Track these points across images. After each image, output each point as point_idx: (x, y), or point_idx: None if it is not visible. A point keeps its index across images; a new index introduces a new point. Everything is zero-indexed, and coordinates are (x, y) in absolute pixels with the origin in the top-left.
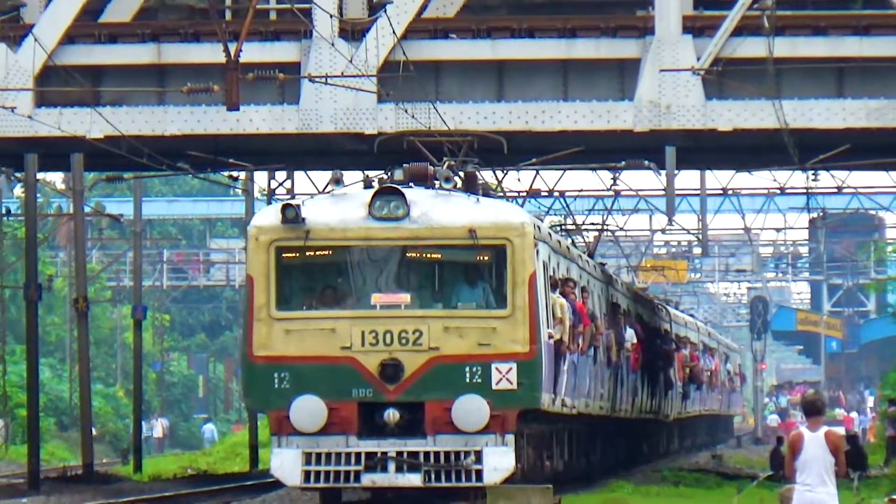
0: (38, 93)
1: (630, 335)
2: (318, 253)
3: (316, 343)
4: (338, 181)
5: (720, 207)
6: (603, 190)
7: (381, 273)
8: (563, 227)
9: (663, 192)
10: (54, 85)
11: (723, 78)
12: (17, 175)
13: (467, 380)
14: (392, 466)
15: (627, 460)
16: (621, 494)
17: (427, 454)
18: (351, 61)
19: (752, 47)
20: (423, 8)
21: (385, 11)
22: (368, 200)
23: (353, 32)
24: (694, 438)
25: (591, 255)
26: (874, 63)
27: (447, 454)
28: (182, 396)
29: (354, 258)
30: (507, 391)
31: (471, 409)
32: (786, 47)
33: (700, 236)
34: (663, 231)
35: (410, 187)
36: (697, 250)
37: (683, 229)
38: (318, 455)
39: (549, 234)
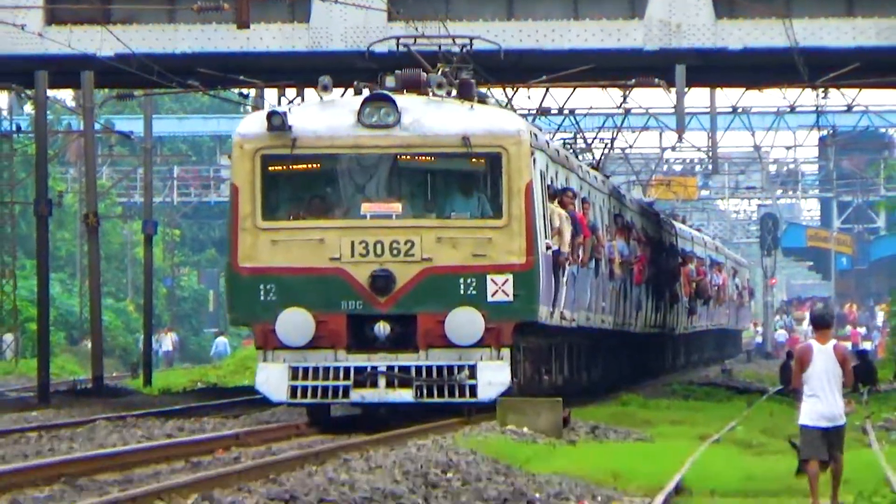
0: (48, 10)
1: (634, 248)
2: (305, 162)
3: (303, 254)
4: (325, 88)
5: (730, 125)
6: (613, 108)
7: (371, 182)
8: (572, 144)
9: (673, 110)
10: (65, 2)
11: None
12: (28, 93)
13: (461, 292)
14: (382, 382)
15: (633, 375)
16: (631, 407)
17: (419, 369)
18: None
19: None
20: None
21: None
22: (358, 107)
23: None
24: (701, 353)
25: (599, 171)
26: None
27: (440, 369)
28: (192, 311)
29: (343, 167)
30: (502, 304)
31: (464, 323)
32: None
33: (710, 154)
34: (673, 148)
35: (402, 94)
36: (708, 168)
37: (693, 147)
38: (306, 370)
39: (547, 143)
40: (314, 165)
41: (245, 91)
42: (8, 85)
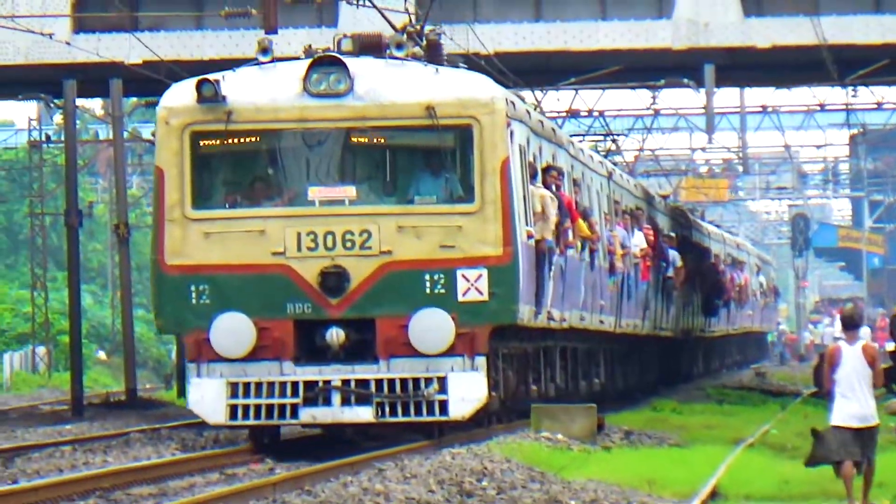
0: (76, 18)
1: (639, 239)
2: (242, 138)
3: (242, 248)
4: (265, 50)
5: (760, 125)
6: (642, 109)
7: (321, 162)
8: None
9: (703, 111)
10: (92, 10)
11: None
12: (57, 102)
13: (427, 290)
14: (337, 398)
15: (643, 384)
16: (664, 413)
17: (379, 382)
18: None
19: None
20: None
21: None
22: (303, 73)
23: None
24: (722, 359)
25: (630, 174)
26: None
27: (404, 382)
28: None
29: (287, 144)
30: (476, 303)
31: (431, 327)
32: None
33: (740, 154)
34: (703, 149)
35: (357, 58)
36: (738, 169)
37: (723, 147)
38: (247, 385)
39: (528, 113)
40: (252, 143)
41: None
42: (36, 94)
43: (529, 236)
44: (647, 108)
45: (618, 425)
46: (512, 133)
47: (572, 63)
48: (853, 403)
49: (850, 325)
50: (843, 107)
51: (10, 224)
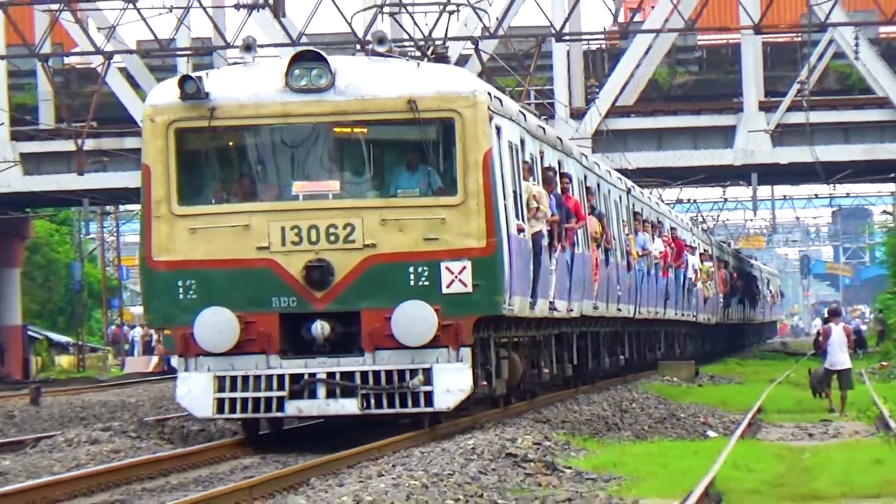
0: None
1: (658, 245)
2: (226, 134)
3: (227, 243)
4: (249, 48)
5: (782, 205)
6: (717, 197)
7: (304, 156)
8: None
9: (750, 199)
10: None
11: (781, 135)
12: None
13: (411, 283)
14: (322, 391)
15: (683, 354)
16: (731, 364)
17: (364, 375)
18: (577, 131)
19: (797, 117)
20: (616, 99)
21: (595, 102)
22: (285, 69)
23: (575, 114)
24: (758, 335)
25: (710, 233)
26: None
27: (389, 374)
28: None
29: (270, 139)
30: (460, 295)
31: (415, 318)
32: (816, 117)
33: (772, 222)
34: (751, 220)
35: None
36: (769, 230)
37: (762, 219)
38: (234, 379)
39: (522, 115)
40: (236, 139)
41: None
42: None
43: (520, 230)
44: (720, 198)
45: (706, 373)
46: (499, 129)
47: (678, 173)
48: (835, 357)
49: (834, 314)
50: (828, 195)
51: None
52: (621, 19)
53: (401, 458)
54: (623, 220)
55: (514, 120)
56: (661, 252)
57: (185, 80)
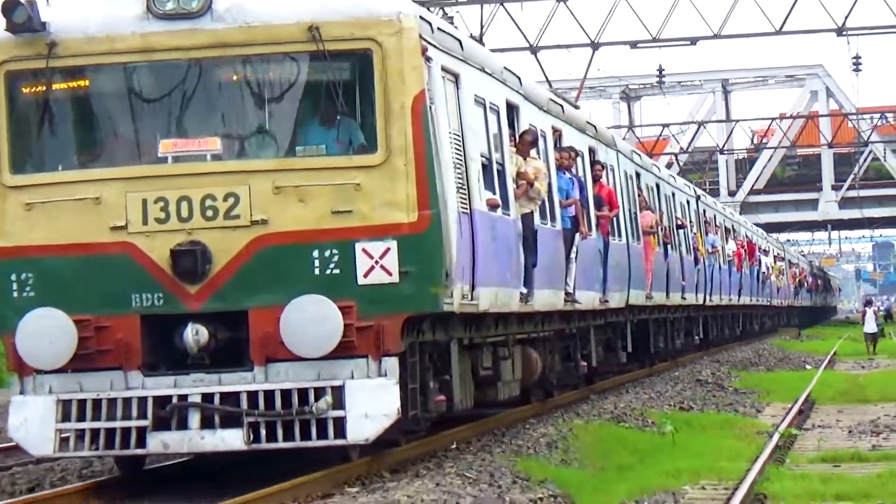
0: None
1: (732, 245)
2: (70, 78)
3: (72, 223)
4: None
5: (845, 240)
6: (808, 238)
7: (172, 105)
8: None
9: (827, 237)
10: None
11: (843, 202)
12: None
13: (316, 271)
14: (195, 419)
15: (762, 331)
16: (817, 330)
17: (253, 396)
18: (734, 200)
19: (852, 193)
20: (753, 184)
21: (741, 186)
22: None
23: (730, 193)
24: (816, 315)
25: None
26: None
27: (286, 395)
28: None
29: (128, 83)
30: (382, 287)
31: (311, 319)
32: (863, 193)
33: (839, 250)
34: (829, 246)
35: None
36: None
37: (834, 248)
38: (81, 404)
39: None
40: (83, 84)
41: None
42: None
43: (490, 205)
44: (811, 238)
45: (806, 334)
46: (446, 72)
47: (787, 225)
48: (868, 326)
49: (868, 303)
50: (870, 236)
51: None
52: (755, 141)
53: None
54: (690, 221)
55: (487, 72)
56: (734, 251)
57: (13, 5)
